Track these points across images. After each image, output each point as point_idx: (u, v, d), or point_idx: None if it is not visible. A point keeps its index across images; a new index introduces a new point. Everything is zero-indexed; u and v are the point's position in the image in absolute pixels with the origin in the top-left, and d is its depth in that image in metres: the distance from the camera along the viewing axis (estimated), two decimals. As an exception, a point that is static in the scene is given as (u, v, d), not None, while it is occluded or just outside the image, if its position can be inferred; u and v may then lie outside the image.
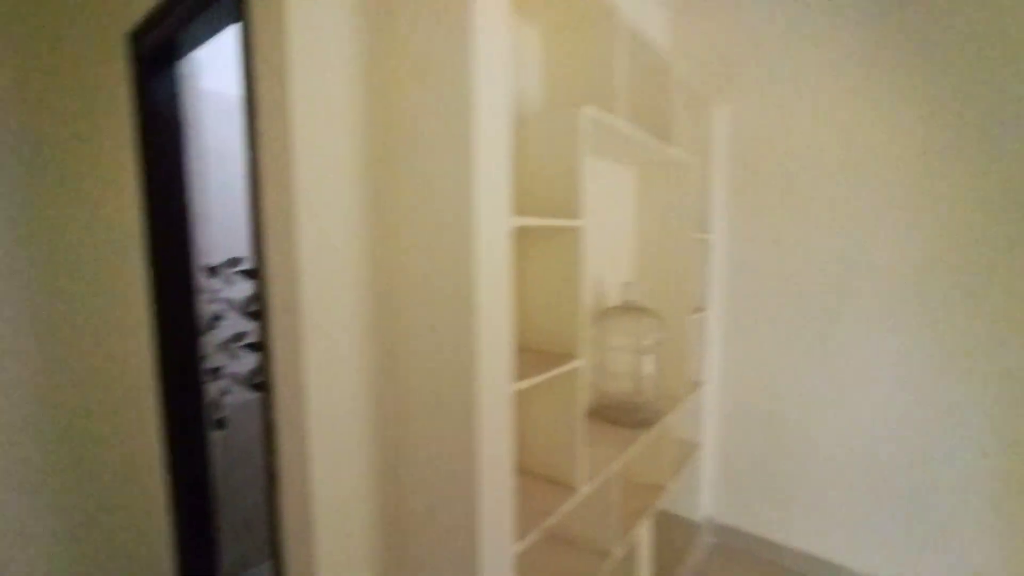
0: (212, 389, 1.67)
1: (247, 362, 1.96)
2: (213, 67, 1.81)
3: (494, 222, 0.93)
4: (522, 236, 1.23)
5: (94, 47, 1.58)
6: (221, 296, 1.88)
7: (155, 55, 1.44)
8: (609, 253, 1.81)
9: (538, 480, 1.26)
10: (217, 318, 1.87)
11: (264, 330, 1.03)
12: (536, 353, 1.24)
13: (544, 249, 1.24)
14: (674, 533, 2.13)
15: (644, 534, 1.66)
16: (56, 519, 1.57)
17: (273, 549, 1.10)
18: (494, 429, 0.95)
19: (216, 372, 1.84)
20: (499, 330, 0.95)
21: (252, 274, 1.96)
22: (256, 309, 1.94)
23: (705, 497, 2.29)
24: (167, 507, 1.61)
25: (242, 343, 1.95)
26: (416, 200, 0.98)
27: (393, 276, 1.05)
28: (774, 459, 2.16)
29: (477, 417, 0.91)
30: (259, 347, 1.15)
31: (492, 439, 0.95)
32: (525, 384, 1.02)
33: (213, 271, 1.85)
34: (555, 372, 1.12)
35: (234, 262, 1.91)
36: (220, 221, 1.83)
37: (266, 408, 1.06)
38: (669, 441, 1.82)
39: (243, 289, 1.95)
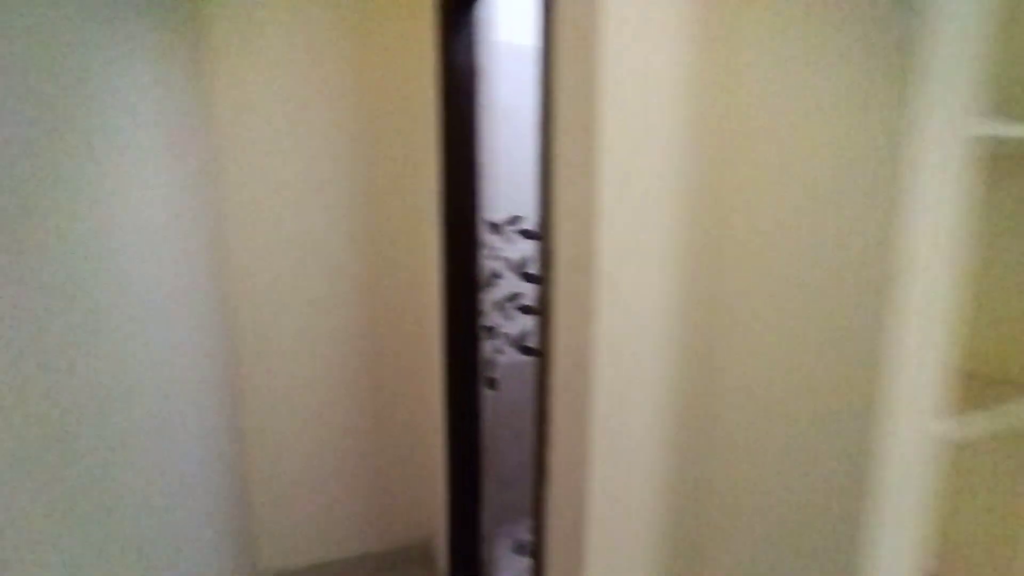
0: (487, 347, 1.67)
1: (519, 323, 1.93)
2: (503, 16, 1.76)
3: (944, 125, 0.49)
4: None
5: None
6: (501, 254, 1.88)
7: (456, 2, 1.41)
8: None
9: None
10: (495, 276, 1.88)
11: (545, 292, 0.85)
12: (961, 375, 0.73)
13: (997, 193, 0.70)
14: None
15: None
16: (362, 461, 1.84)
17: (535, 528, 0.95)
18: (904, 499, 0.54)
19: (491, 331, 1.86)
20: (933, 326, 0.52)
21: (532, 235, 1.90)
22: (532, 271, 1.87)
23: None
24: (444, 458, 1.69)
25: (516, 304, 1.92)
26: (775, 98, 0.61)
27: (727, 227, 0.71)
28: None
29: (875, 473, 0.52)
30: (533, 310, 0.99)
31: (897, 518, 0.54)
32: (966, 427, 0.57)
33: (495, 228, 1.85)
34: (1008, 412, 0.62)
35: (514, 220, 1.88)
36: (504, 177, 1.80)
37: (540, 377, 0.89)
38: None
39: (521, 249, 1.90)
